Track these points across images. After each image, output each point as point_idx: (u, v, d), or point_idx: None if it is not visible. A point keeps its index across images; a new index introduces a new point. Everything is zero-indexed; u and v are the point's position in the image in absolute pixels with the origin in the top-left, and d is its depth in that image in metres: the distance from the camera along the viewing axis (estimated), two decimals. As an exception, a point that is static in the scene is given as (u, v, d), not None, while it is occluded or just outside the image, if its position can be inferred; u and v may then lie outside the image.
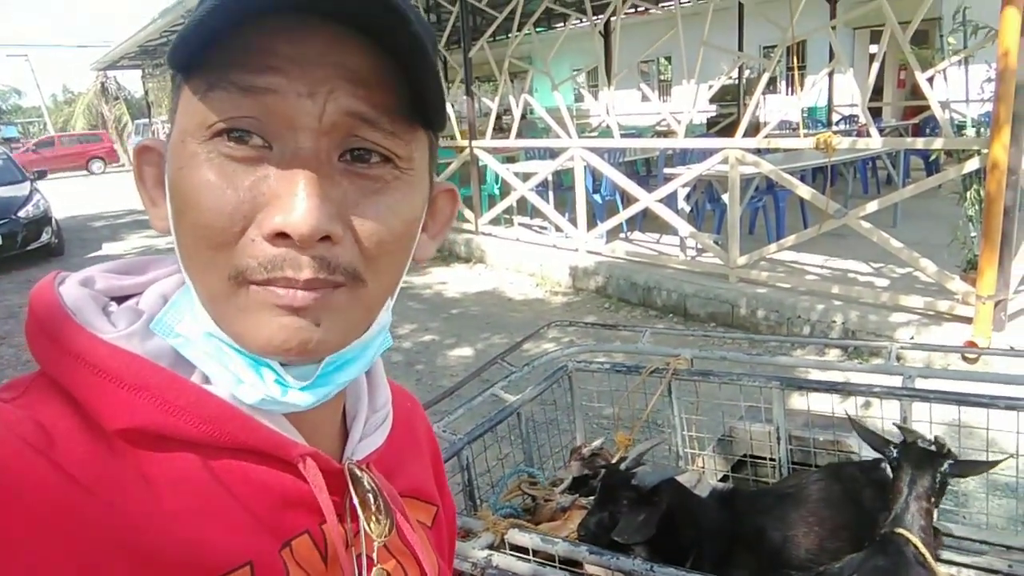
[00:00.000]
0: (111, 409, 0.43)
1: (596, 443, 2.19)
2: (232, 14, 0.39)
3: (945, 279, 4.47)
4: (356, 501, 0.51)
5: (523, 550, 1.56)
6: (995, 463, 1.66)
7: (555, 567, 1.51)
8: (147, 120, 24.51)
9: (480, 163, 8.07)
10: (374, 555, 0.52)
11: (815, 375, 2.60)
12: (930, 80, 4.49)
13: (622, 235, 7.62)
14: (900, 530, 1.59)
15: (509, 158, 9.26)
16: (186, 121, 0.43)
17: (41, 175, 11.63)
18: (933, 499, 1.66)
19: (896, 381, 2.07)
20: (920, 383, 2.07)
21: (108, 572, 0.39)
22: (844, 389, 2.04)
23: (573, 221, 7.14)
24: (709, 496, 1.78)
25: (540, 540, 1.53)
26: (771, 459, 2.25)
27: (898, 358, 2.18)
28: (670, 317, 5.84)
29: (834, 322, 4.84)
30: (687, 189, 6.35)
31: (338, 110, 0.42)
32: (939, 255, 4.71)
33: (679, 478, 1.88)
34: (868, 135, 4.72)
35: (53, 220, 9.86)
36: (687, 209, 6.50)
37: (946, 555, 1.92)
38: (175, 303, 0.48)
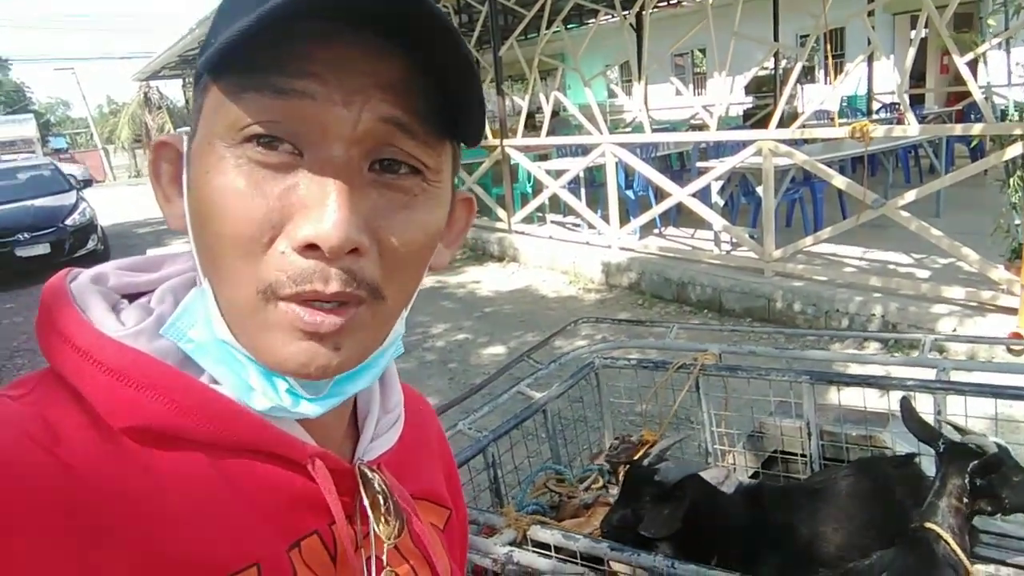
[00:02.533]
0: (117, 407, 0.43)
1: (618, 440, 2.17)
2: (275, 19, 0.38)
3: (988, 268, 4.34)
4: (366, 502, 0.50)
5: (545, 547, 1.56)
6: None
7: (576, 563, 1.51)
8: (189, 128, 25.08)
9: (512, 161, 8.07)
10: (384, 556, 0.51)
11: (847, 369, 2.54)
12: (971, 64, 4.36)
13: (656, 231, 7.56)
14: (930, 525, 1.55)
15: (542, 156, 9.25)
16: (214, 123, 0.43)
17: (87, 184, 11.98)
18: (974, 500, 1.62)
19: (931, 374, 2.02)
20: (957, 376, 2.01)
21: (110, 571, 0.39)
22: (875, 383, 1.99)
23: (606, 218, 7.10)
24: (735, 492, 1.75)
25: (562, 536, 1.53)
26: (802, 455, 2.21)
27: (940, 350, 2.12)
28: (705, 313, 5.77)
29: (873, 315, 4.73)
30: (720, 183, 6.27)
31: (373, 117, 0.42)
32: (983, 244, 4.57)
33: (705, 474, 1.86)
34: (907, 123, 4.60)
35: (99, 227, 10.17)
36: (721, 203, 6.42)
37: (983, 552, 1.87)
38: (188, 308, 0.47)
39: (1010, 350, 4.05)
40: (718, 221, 6.04)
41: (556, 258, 7.46)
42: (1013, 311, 4.17)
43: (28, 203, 9.90)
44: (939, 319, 4.41)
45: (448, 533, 0.63)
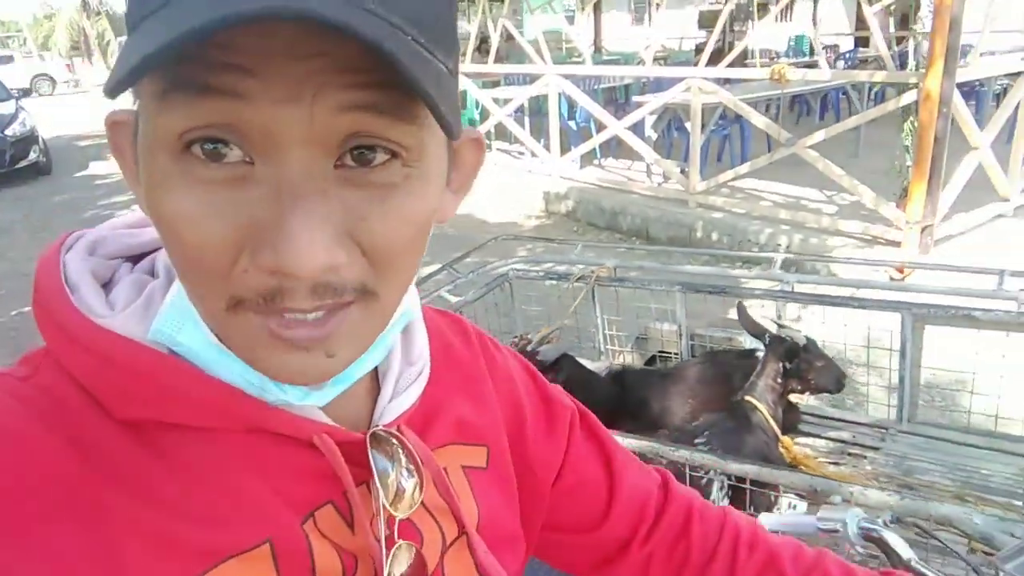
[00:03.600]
0: (113, 394, 0.42)
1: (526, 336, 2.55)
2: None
3: (881, 205, 4.80)
4: (376, 474, 0.47)
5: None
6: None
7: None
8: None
9: (459, 88, 8.22)
10: (395, 529, 0.49)
11: (716, 282, 2.95)
12: (889, 12, 4.71)
13: (596, 161, 7.87)
14: (749, 398, 1.97)
15: (493, 83, 9.40)
16: (150, 127, 0.37)
17: (26, 93, 11.65)
18: (787, 380, 2.04)
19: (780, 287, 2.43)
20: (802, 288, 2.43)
21: (121, 550, 0.39)
22: (731, 292, 2.39)
23: (548, 148, 7.38)
24: (605, 373, 2.15)
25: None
26: (676, 354, 2.62)
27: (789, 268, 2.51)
28: (632, 240, 6.17)
29: (779, 245, 5.19)
30: (654, 117, 6.58)
31: (330, 110, 0.35)
32: (889, 184, 5.01)
33: (591, 365, 2.25)
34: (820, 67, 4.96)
35: (40, 139, 10.01)
36: (654, 137, 6.75)
37: (806, 428, 2.32)
38: (172, 307, 0.44)
39: (892, 279, 4.56)
40: (650, 154, 6.38)
41: (500, 185, 7.73)
42: (898, 244, 4.66)
43: (-35, 112, 9.69)
44: (835, 250, 4.89)
45: (494, 468, 0.59)
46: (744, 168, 5.62)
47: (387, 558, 0.47)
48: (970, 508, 1.63)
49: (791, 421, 2.25)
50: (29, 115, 10.10)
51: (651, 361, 2.81)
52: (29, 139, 9.70)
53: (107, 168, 10.54)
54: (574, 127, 7.82)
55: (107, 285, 0.47)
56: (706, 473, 1.72)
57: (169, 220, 0.37)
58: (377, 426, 0.50)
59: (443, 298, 2.70)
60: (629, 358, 2.83)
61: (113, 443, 0.41)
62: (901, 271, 4.54)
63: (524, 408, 0.64)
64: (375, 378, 0.53)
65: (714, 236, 5.62)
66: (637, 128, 6.63)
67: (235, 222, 0.36)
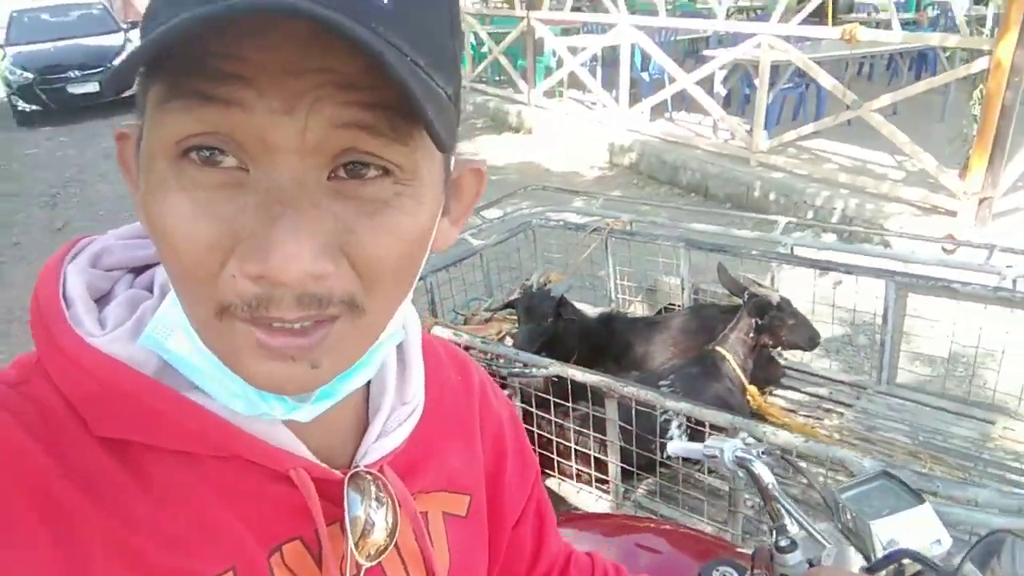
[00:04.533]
0: (95, 412, 0.43)
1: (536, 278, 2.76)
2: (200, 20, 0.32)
3: (942, 174, 4.68)
4: (348, 518, 0.48)
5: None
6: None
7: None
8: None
9: (537, 35, 8.27)
10: (362, 572, 0.49)
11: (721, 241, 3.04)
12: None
13: (666, 115, 7.82)
14: (719, 348, 2.13)
15: (569, 31, 9.37)
16: (152, 135, 0.38)
17: (134, 25, 12.36)
18: (759, 335, 2.18)
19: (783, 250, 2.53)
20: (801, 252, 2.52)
21: (92, 563, 0.40)
22: (731, 251, 2.51)
23: (617, 99, 7.38)
24: (596, 317, 2.34)
25: (452, 333, 2.13)
26: (679, 306, 2.77)
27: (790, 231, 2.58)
28: (691, 196, 6.19)
29: (834, 208, 5.14)
30: (724, 72, 6.50)
31: (324, 124, 0.36)
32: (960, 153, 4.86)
33: (588, 310, 2.45)
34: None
35: (145, 70, 10.65)
36: (723, 92, 6.67)
37: (788, 382, 2.46)
38: (163, 317, 0.45)
39: (944, 250, 4.48)
40: (716, 110, 6.33)
41: (568, 134, 7.81)
42: (955, 214, 4.55)
43: (79, 41, 10.39)
44: (890, 217, 4.81)
45: (473, 518, 0.60)
46: (808, 128, 5.53)
47: None
48: (883, 460, 1.78)
49: (772, 374, 2.39)
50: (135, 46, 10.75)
51: (659, 314, 2.97)
52: (135, 70, 10.35)
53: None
54: (647, 78, 7.77)
55: (105, 298, 0.48)
56: (664, 413, 1.91)
57: (162, 223, 0.38)
58: (359, 466, 0.50)
59: (466, 241, 2.93)
60: (639, 308, 3.00)
61: (92, 459, 0.42)
62: (952, 239, 4.46)
63: (507, 458, 0.66)
64: (364, 412, 0.53)
65: (771, 196, 5.59)
66: (708, 84, 6.56)
67: (225, 226, 0.37)
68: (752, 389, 2.14)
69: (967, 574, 0.77)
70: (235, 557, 0.44)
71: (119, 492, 0.42)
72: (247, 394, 0.43)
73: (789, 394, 2.41)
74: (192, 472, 0.44)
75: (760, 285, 2.20)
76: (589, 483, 1.98)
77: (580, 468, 1.98)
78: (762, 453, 1.35)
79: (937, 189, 4.86)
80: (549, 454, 2.01)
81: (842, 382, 2.43)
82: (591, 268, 3.06)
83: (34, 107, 9.72)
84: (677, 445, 1.39)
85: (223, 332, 0.39)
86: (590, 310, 2.55)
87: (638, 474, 1.90)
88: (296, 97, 0.35)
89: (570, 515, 1.42)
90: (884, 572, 0.88)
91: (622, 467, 1.89)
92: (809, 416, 2.27)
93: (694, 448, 1.36)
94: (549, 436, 2.00)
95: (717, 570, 1.22)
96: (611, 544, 1.36)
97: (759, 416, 2.15)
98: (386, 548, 0.49)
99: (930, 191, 4.84)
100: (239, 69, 0.34)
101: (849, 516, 1.06)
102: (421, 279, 2.60)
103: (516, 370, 1.93)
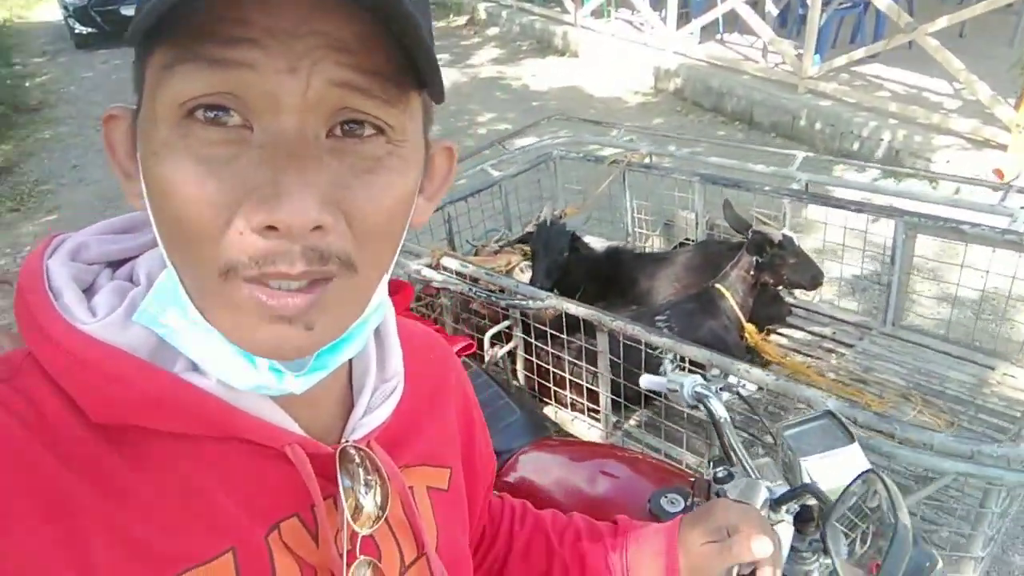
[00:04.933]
0: (89, 399, 0.43)
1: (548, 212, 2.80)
2: None
3: (996, 105, 4.46)
4: (341, 490, 0.50)
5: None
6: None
7: (467, 284, 2.20)
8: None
9: (584, -48, 7.98)
10: (357, 546, 0.51)
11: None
12: None
13: (718, 36, 7.53)
14: (719, 285, 2.16)
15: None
16: (155, 100, 0.40)
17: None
18: (760, 273, 2.20)
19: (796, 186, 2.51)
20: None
21: (92, 549, 0.41)
22: (744, 186, 2.50)
23: (665, 20, 7.13)
24: (603, 251, 2.39)
25: (459, 264, 2.21)
26: (694, 241, 2.79)
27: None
28: (735, 124, 6.04)
29: (881, 140, 4.96)
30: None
31: (324, 83, 0.39)
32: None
33: (597, 245, 2.50)
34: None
35: None
36: (775, 12, 6.38)
37: (794, 321, 2.48)
38: (158, 291, 0.46)
39: (993, 189, 4.31)
40: (765, 31, 6.08)
41: (613, 57, 7.61)
42: (1005, 148, 4.36)
43: (130, -38, 10.47)
44: (938, 150, 4.63)
45: (453, 491, 0.63)
46: (859, 53, 5.29)
47: (348, 573, 0.49)
48: (862, 406, 1.82)
49: (777, 313, 2.42)
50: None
51: (675, 249, 2.99)
52: None
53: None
54: (698, -2, 7.46)
55: (89, 290, 0.49)
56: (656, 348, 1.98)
57: (165, 183, 0.40)
58: (348, 441, 0.52)
59: (486, 171, 2.97)
60: (657, 242, 3.02)
61: (88, 445, 0.43)
62: (1001, 176, 4.28)
63: (475, 427, 0.71)
64: (348, 391, 0.56)
65: (817, 126, 5.41)
66: (764, 2, 6.27)
67: (231, 182, 0.39)
68: (750, 327, 2.17)
69: (842, 511, 0.83)
70: (233, 539, 0.45)
71: (116, 477, 0.43)
72: (243, 367, 0.44)
73: (794, 333, 2.44)
74: (187, 455, 0.45)
75: (765, 223, 2.20)
76: (583, 412, 2.08)
77: (574, 398, 2.07)
78: (720, 390, 1.42)
79: (990, 121, 4.64)
80: (547, 383, 2.11)
81: (847, 322, 2.44)
82: (610, 201, 3.07)
83: (89, 29, 9.89)
84: (647, 378, 1.46)
85: (225, 294, 0.41)
86: (598, 244, 2.59)
87: (627, 406, 1.98)
88: (298, 58, 0.38)
89: (543, 441, 1.51)
90: (785, 507, 0.95)
91: (612, 399, 1.97)
92: (809, 355, 2.30)
93: (659, 381, 1.43)
94: (547, 366, 2.09)
95: (665, 496, 1.31)
96: (576, 468, 1.46)
97: (755, 354, 2.19)
98: (378, 520, 0.52)
99: (982, 123, 4.62)
100: (248, 32, 0.37)
101: (788, 452, 1.13)
102: (440, 209, 2.68)
103: (516, 302, 2.01)
